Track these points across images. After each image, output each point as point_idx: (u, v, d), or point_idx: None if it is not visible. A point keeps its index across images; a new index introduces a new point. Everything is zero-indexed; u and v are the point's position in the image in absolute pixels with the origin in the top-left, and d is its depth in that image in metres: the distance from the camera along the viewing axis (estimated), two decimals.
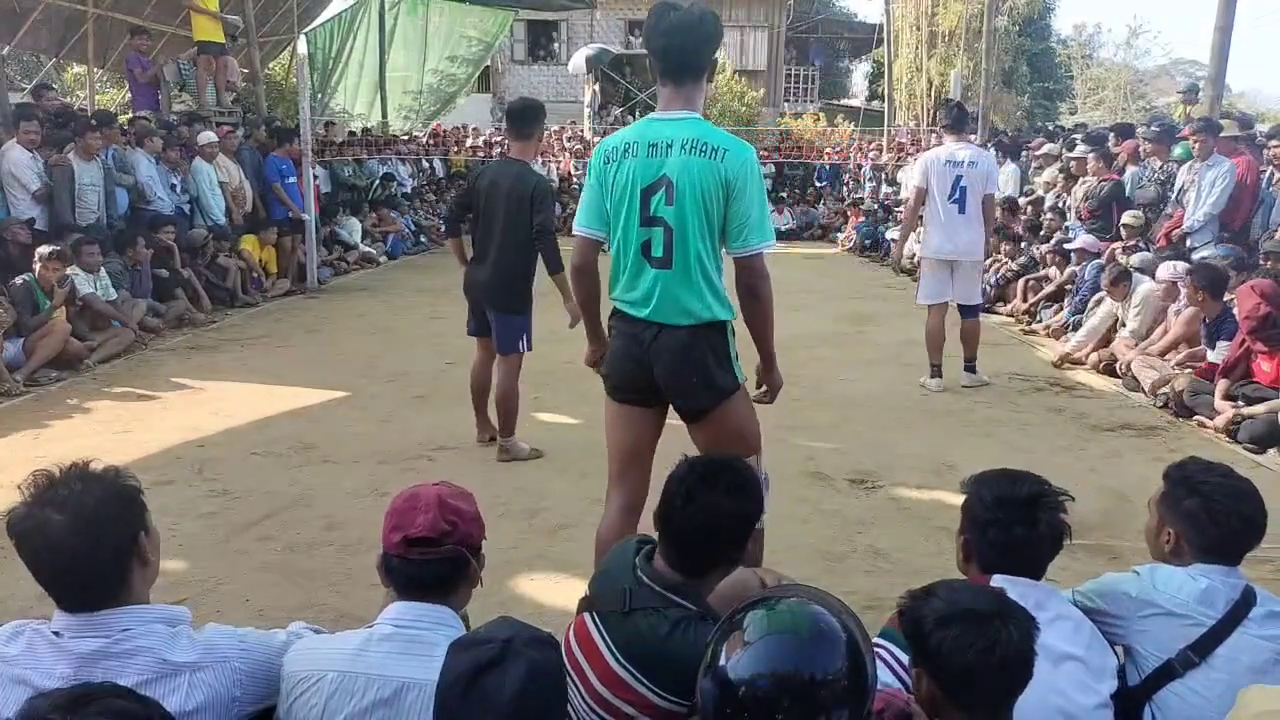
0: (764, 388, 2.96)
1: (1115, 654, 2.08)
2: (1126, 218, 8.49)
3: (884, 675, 1.84)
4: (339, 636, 1.83)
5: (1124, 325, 7.27)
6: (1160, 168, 8.94)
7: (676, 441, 2.79)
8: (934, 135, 17.59)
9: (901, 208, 14.33)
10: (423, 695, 1.65)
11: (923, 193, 6.43)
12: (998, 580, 1.94)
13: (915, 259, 12.48)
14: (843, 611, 1.45)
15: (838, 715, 1.33)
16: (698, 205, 2.61)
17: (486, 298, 4.80)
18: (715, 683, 1.37)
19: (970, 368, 6.67)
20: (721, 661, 1.38)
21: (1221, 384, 5.72)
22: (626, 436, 2.91)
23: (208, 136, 9.83)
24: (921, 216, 6.64)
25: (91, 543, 1.61)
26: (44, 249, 6.87)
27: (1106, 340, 7.41)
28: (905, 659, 1.80)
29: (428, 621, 1.77)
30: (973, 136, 7.05)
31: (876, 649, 1.85)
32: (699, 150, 2.60)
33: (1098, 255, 8.55)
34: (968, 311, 6.69)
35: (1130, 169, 9.46)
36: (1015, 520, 2.00)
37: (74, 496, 1.61)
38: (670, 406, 2.89)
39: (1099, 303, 7.76)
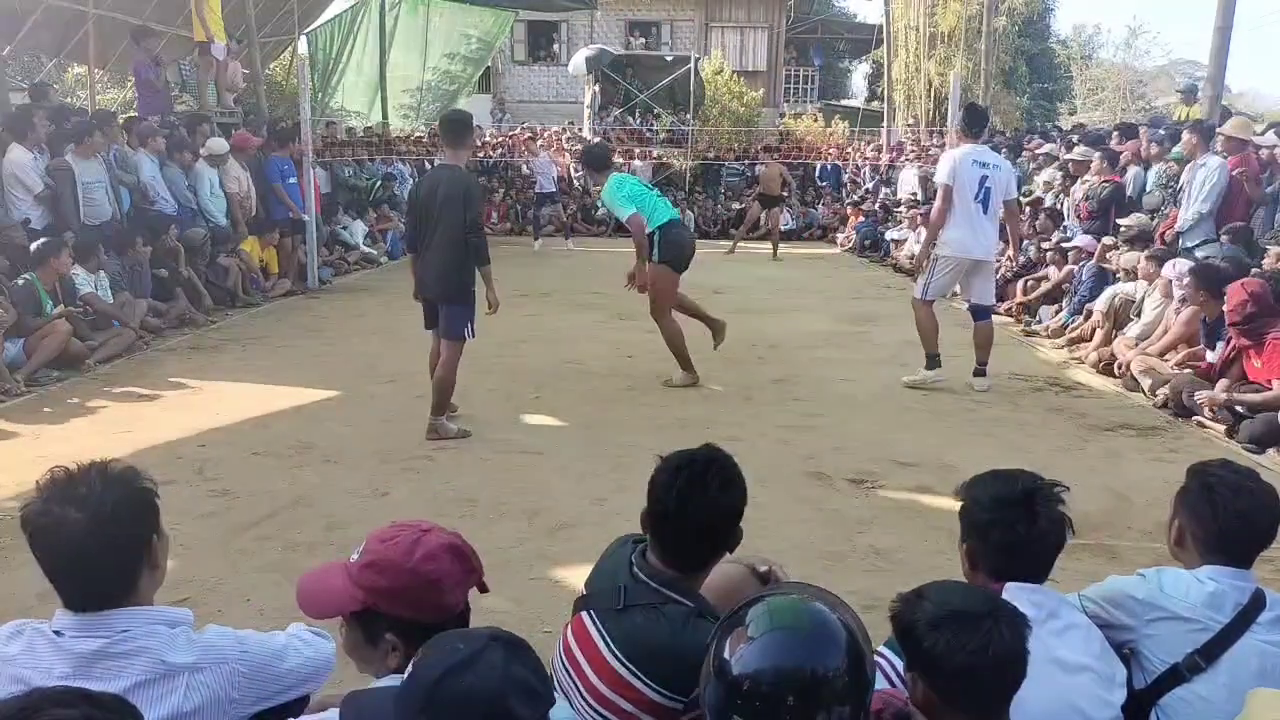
0: None
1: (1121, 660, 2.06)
2: (1126, 220, 8.46)
3: (886, 686, 1.83)
4: None
5: (1137, 315, 7.24)
6: (1164, 169, 8.93)
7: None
8: (934, 136, 17.66)
9: (901, 209, 14.37)
10: None
11: (950, 190, 6.26)
12: (1010, 589, 1.90)
13: (915, 258, 12.58)
14: (842, 609, 1.45)
15: (839, 712, 1.34)
16: None
17: (434, 292, 5.26)
18: (720, 677, 1.38)
19: (981, 371, 6.57)
20: (726, 656, 1.39)
21: (1221, 383, 5.71)
22: None
23: (220, 144, 9.75)
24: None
25: (106, 543, 1.61)
26: (45, 242, 6.86)
27: (1107, 339, 7.41)
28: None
29: None
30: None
31: (877, 659, 1.85)
32: None
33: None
34: (982, 313, 6.60)
35: (1132, 169, 9.45)
36: (1015, 518, 1.96)
37: (93, 496, 1.60)
38: None
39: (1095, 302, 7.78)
